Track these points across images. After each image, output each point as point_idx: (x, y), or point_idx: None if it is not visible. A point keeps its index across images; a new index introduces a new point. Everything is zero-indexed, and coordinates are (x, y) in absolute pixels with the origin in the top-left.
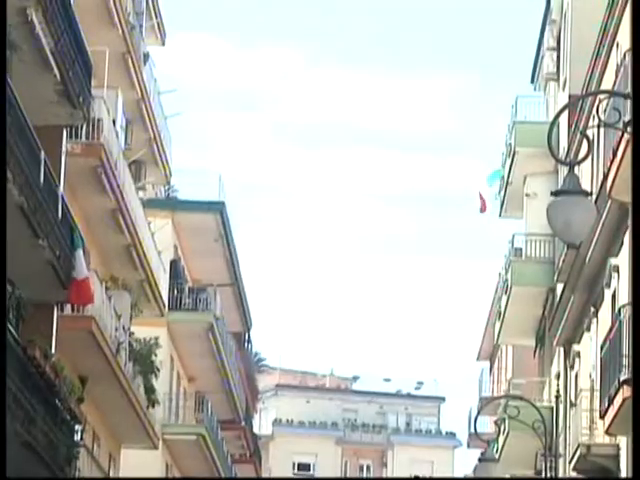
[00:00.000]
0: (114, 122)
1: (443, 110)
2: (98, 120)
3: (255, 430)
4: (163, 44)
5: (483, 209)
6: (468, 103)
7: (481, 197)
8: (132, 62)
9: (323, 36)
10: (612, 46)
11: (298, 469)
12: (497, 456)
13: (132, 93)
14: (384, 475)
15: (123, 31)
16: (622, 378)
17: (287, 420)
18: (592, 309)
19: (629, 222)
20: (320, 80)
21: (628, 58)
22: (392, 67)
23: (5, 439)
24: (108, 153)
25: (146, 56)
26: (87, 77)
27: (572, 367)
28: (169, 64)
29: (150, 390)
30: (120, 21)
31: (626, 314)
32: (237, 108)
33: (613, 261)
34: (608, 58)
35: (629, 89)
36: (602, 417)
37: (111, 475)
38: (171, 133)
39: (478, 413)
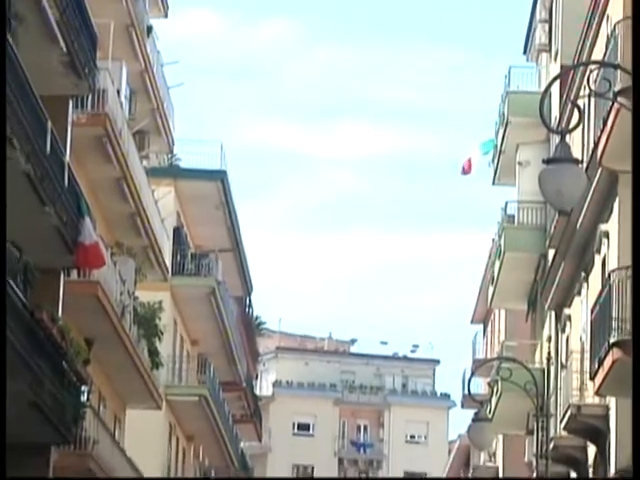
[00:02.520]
0: (118, 93)
1: (440, 83)
2: (103, 91)
3: (256, 391)
4: (166, 16)
5: (467, 171)
6: (464, 75)
7: (469, 161)
8: (136, 34)
9: (321, 13)
10: (602, 18)
11: (298, 429)
12: (490, 416)
13: (136, 64)
14: (380, 435)
15: (127, 3)
16: (612, 340)
17: (287, 382)
18: (582, 274)
19: (618, 189)
20: (317, 55)
21: (618, 29)
22: (388, 42)
23: (5, 440)
24: (113, 123)
25: (149, 28)
26: (92, 49)
27: (563, 330)
28: (172, 37)
29: (154, 353)
30: None
31: (616, 279)
32: (237, 80)
33: (603, 227)
34: (599, 29)
35: (619, 60)
36: (592, 378)
37: (116, 435)
38: (174, 103)
39: (472, 375)
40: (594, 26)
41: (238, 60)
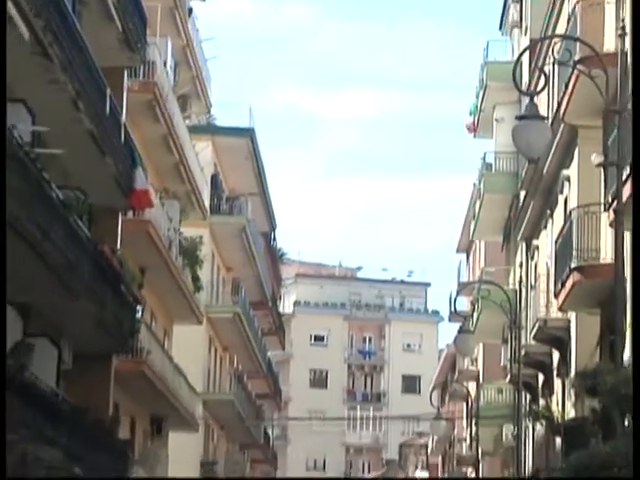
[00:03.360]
0: (165, 64)
1: (433, 54)
2: (152, 62)
3: (280, 309)
4: (204, 0)
5: (471, 129)
6: (454, 48)
7: (473, 123)
8: (179, 15)
9: None
10: None
11: (314, 340)
12: (472, 329)
13: (179, 40)
14: (382, 344)
15: None
16: (572, 266)
17: (305, 302)
18: (548, 211)
19: (578, 141)
20: (329, 32)
21: (577, 8)
22: (389, 20)
23: (5, 439)
24: (160, 89)
25: (190, 10)
26: (143, 27)
27: (532, 258)
28: (209, 18)
29: (196, 278)
30: None
31: (575, 215)
32: (262, 54)
33: (565, 172)
34: (561, 7)
35: (578, 33)
36: (556, 297)
37: (165, 346)
38: (210, 73)
39: (457, 295)
40: (558, 5)
41: (263, 37)
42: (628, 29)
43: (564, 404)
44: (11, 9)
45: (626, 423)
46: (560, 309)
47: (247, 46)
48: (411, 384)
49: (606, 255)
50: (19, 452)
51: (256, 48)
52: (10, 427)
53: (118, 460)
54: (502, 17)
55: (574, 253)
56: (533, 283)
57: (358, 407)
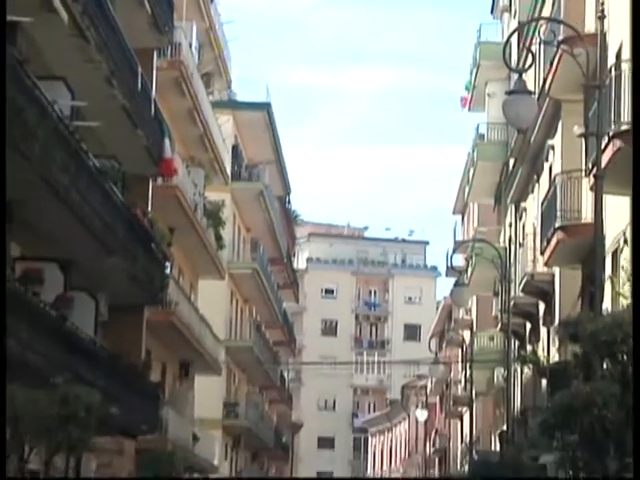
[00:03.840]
0: (190, 45)
1: (430, 36)
2: (178, 44)
3: (294, 266)
4: None
5: (465, 104)
6: (450, 30)
7: (466, 98)
8: (203, 1)
9: None
10: None
11: (325, 293)
12: (467, 282)
13: (203, 23)
14: (386, 297)
15: None
16: (556, 225)
17: (317, 258)
18: (535, 177)
19: (562, 114)
20: (335, 15)
21: None
22: (388, 6)
23: (5, 439)
24: (186, 68)
25: None
26: (170, 12)
27: (520, 218)
28: (229, 2)
29: (219, 238)
30: None
31: (559, 180)
32: (277, 35)
33: (550, 142)
34: None
35: (562, 16)
36: (542, 253)
37: (191, 298)
38: (231, 53)
39: (453, 252)
40: None
41: (278, 21)
42: (607, 12)
43: (549, 349)
44: None
45: (605, 366)
46: (545, 264)
47: (264, 29)
48: (412, 332)
49: (587, 216)
50: (60, 393)
51: (272, 30)
52: (54, 371)
53: (150, 401)
54: (493, 2)
55: (558, 214)
56: (521, 241)
57: (364, 353)
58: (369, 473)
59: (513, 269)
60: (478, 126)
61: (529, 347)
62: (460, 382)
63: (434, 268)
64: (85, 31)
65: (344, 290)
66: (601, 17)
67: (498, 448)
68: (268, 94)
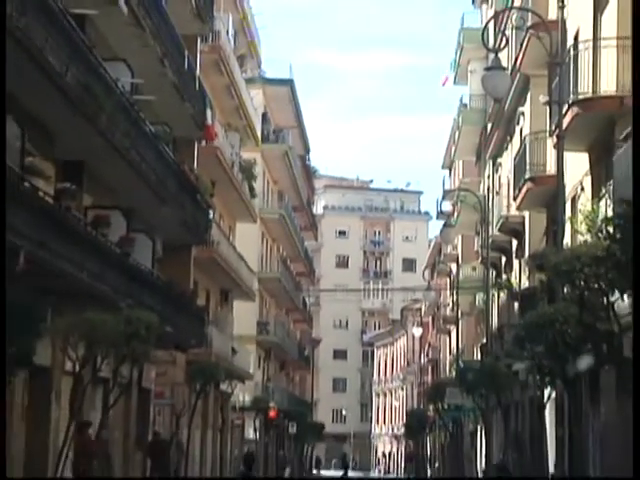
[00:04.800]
0: (227, 32)
1: (426, 22)
2: (218, 31)
3: (313, 211)
4: None
5: (444, 82)
6: (443, 16)
7: (446, 77)
8: (236, 2)
9: None
10: None
11: (339, 234)
12: (454, 224)
13: (237, 15)
14: (388, 236)
15: None
16: (526, 177)
17: (331, 206)
18: (508, 138)
19: (530, 86)
20: (345, 7)
21: None
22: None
23: (5, 439)
24: (224, 51)
25: None
26: (210, 5)
27: (497, 171)
28: None
29: (251, 189)
30: None
31: (528, 140)
32: (299, 23)
33: (520, 109)
34: None
35: (530, 5)
36: (514, 200)
37: (230, 238)
38: (260, 38)
39: (442, 199)
40: None
41: (299, 11)
42: (566, 1)
43: (520, 278)
44: None
45: (565, 291)
46: (517, 209)
47: (287, 17)
48: (409, 265)
49: (550, 168)
50: (125, 315)
51: (294, 19)
52: (119, 297)
53: (197, 321)
54: None
55: (527, 167)
56: (497, 190)
57: (371, 282)
58: (375, 379)
59: (491, 213)
60: (462, 97)
61: (504, 276)
62: (448, 305)
63: (427, 213)
64: (141, 20)
65: (354, 231)
66: (561, 6)
67: (479, 358)
68: (291, 72)
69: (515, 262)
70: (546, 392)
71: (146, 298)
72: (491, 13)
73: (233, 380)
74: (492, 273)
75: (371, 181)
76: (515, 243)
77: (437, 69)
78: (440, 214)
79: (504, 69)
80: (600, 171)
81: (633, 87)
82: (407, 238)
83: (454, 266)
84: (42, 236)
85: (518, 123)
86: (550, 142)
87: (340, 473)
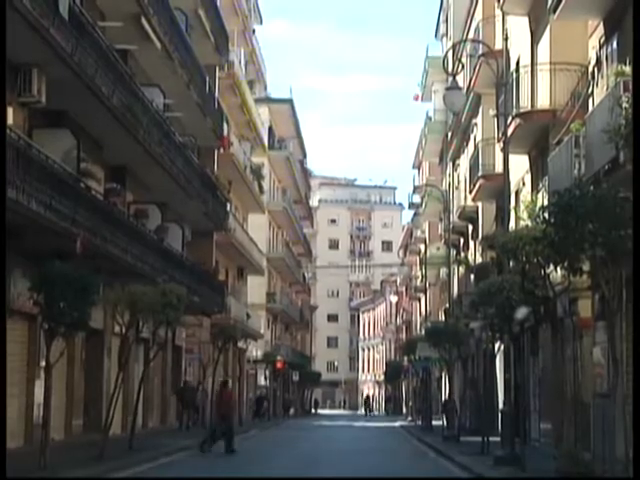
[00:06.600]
0: (240, 62)
1: (395, 51)
2: (232, 61)
3: (310, 204)
4: (261, 23)
5: (416, 99)
6: (408, 50)
7: (417, 95)
8: (247, 34)
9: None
10: (473, 15)
11: (330, 222)
12: (422, 212)
13: (247, 48)
14: (370, 223)
15: (243, 19)
16: (479, 174)
17: (324, 199)
18: (465, 143)
19: (481, 102)
20: (334, 37)
21: (480, 23)
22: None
23: (5, 439)
24: (237, 77)
25: (253, 30)
26: (226, 42)
27: (456, 170)
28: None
29: (260, 186)
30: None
31: (480, 146)
32: (296, 53)
33: (474, 120)
34: (471, 23)
35: (482, 37)
36: (470, 193)
37: (244, 226)
38: (266, 66)
39: (413, 193)
40: (468, 22)
41: (294, 44)
42: (510, 35)
43: (475, 255)
44: (149, 31)
45: (510, 264)
46: (473, 200)
47: (286, 49)
48: (387, 246)
49: (498, 168)
50: (161, 288)
51: (291, 50)
52: (156, 274)
53: (218, 292)
54: (436, 30)
55: (480, 167)
56: (457, 185)
57: (356, 260)
58: (360, 337)
59: (451, 204)
60: (427, 111)
61: (462, 254)
62: (418, 277)
63: (400, 204)
64: (171, 54)
65: (342, 220)
66: (506, 38)
67: (443, 319)
68: (291, 93)
69: (471, 243)
70: (496, 345)
71: (177, 274)
72: (450, 44)
73: (248, 339)
74: (453, 252)
75: (356, 179)
76: (471, 227)
77: (404, 89)
78: (411, 205)
79: (460, 89)
80: (537, 169)
81: (633, 86)
82: (385, 224)
83: (423, 246)
84: (94, 226)
85: (472, 132)
86: (498, 147)
87: (341, 412)
